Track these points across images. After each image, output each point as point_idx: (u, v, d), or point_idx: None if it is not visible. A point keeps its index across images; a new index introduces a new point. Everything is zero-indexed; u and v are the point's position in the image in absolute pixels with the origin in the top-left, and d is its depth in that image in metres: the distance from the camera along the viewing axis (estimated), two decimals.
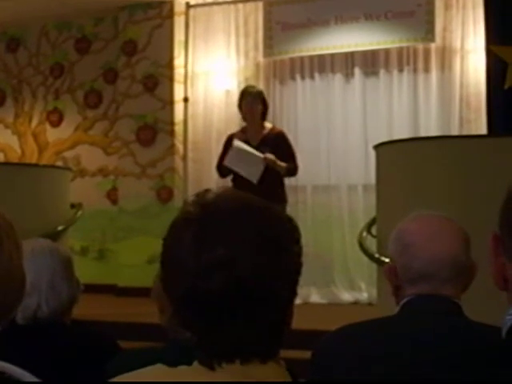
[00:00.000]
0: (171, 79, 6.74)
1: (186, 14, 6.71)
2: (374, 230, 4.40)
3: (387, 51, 6.23)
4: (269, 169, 4.99)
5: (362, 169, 6.10)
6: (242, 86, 5.82)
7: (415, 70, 6.18)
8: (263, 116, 5.23)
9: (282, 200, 5.08)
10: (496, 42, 5.36)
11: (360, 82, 6.30)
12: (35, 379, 1.06)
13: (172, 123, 6.73)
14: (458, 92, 6.04)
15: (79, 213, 5.36)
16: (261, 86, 6.27)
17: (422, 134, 5.92)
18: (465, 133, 5.87)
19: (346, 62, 6.34)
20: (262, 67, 6.61)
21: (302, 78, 6.46)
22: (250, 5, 6.62)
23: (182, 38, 6.72)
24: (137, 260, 6.52)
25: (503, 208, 0.94)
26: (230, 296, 0.92)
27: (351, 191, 6.24)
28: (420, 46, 6.16)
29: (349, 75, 6.36)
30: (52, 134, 7.50)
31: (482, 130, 5.63)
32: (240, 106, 5.25)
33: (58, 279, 1.92)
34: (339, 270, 6.19)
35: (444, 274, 1.53)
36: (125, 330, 4.38)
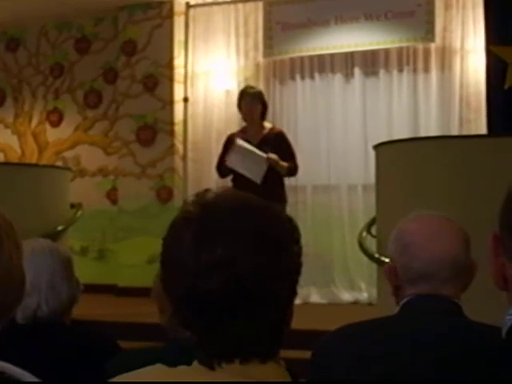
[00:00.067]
0: (171, 79, 6.74)
1: (186, 14, 6.71)
2: (373, 230, 4.40)
3: (387, 51, 6.23)
4: (269, 169, 5.00)
5: (362, 169, 6.10)
6: (242, 86, 5.82)
7: (415, 70, 6.18)
8: (262, 116, 5.23)
9: (282, 200, 5.08)
10: (496, 42, 5.37)
11: (360, 81, 6.31)
12: (35, 379, 1.06)
13: (172, 123, 6.73)
14: (458, 92, 6.04)
15: (79, 213, 5.36)
16: (261, 86, 6.27)
17: (422, 133, 5.93)
18: (465, 133, 5.87)
19: (346, 62, 6.34)
20: (261, 67, 6.61)
21: (302, 77, 6.46)
22: (249, 5, 6.62)
23: (182, 37, 6.72)
24: (137, 260, 6.52)
25: (503, 208, 0.94)
26: (230, 296, 0.92)
27: (351, 191, 6.24)
28: (420, 46, 6.16)
29: (349, 75, 6.36)
30: (52, 134, 7.50)
31: (482, 129, 5.63)
32: (239, 106, 5.26)
33: (58, 279, 1.92)
34: (339, 269, 6.20)
35: (444, 274, 1.53)
36: (125, 330, 4.38)
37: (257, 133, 5.18)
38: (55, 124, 7.48)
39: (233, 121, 6.28)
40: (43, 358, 1.75)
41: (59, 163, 7.24)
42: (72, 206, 5.34)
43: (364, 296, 6.02)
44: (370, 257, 4.19)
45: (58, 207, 5.07)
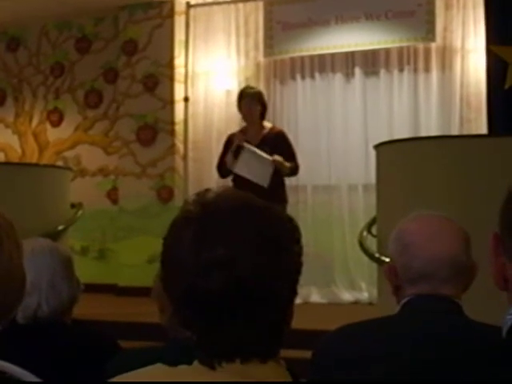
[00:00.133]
0: (171, 79, 6.74)
1: (187, 14, 6.71)
2: (374, 230, 4.40)
3: (387, 51, 6.23)
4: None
5: (363, 168, 6.10)
6: (243, 86, 5.82)
7: (415, 70, 6.18)
8: (262, 116, 5.23)
9: (283, 200, 5.08)
10: (496, 41, 5.37)
11: (360, 81, 6.30)
12: (35, 379, 1.06)
13: (172, 123, 6.73)
14: (459, 92, 6.04)
15: (79, 212, 5.36)
16: (261, 86, 6.28)
17: (423, 133, 5.92)
18: (465, 132, 5.87)
19: (347, 62, 6.34)
20: (262, 67, 6.61)
21: (303, 77, 6.46)
22: (250, 4, 6.62)
23: (183, 37, 6.72)
24: (137, 260, 6.52)
25: (503, 208, 0.94)
26: (230, 295, 0.92)
27: (351, 191, 6.24)
28: (420, 46, 6.16)
29: (349, 75, 6.36)
30: (52, 134, 7.50)
31: (483, 129, 5.63)
32: (239, 107, 5.26)
33: (58, 279, 1.92)
34: (339, 269, 6.19)
35: (443, 274, 1.53)
36: (125, 330, 4.38)
37: (257, 133, 5.18)
38: (56, 124, 7.49)
39: (233, 120, 6.27)
40: (43, 357, 1.75)
41: (60, 163, 7.25)
42: (72, 205, 5.34)
43: (364, 296, 6.01)
44: (371, 256, 4.19)
45: (58, 207, 5.07)
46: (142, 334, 4.06)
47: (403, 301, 1.57)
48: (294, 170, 5.17)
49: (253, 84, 6.27)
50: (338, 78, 6.36)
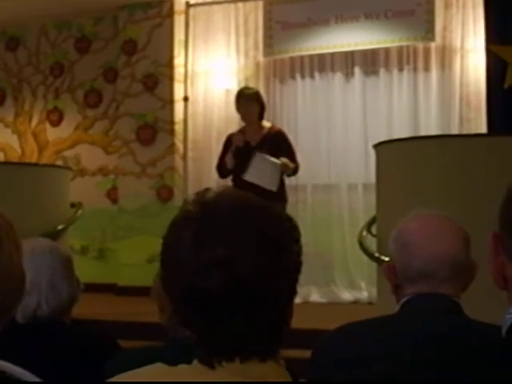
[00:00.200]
0: (171, 78, 6.74)
1: (186, 13, 6.71)
2: (374, 229, 4.40)
3: (387, 50, 6.23)
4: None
5: (362, 168, 6.10)
6: (242, 85, 5.82)
7: (415, 69, 6.18)
8: (261, 116, 5.23)
9: (282, 199, 5.08)
10: (496, 41, 5.37)
11: (360, 81, 6.31)
12: (35, 378, 1.06)
13: (172, 122, 6.73)
14: (458, 91, 6.04)
15: (79, 212, 5.35)
16: (261, 86, 6.28)
17: (422, 132, 5.92)
18: (465, 132, 5.87)
19: (346, 61, 6.34)
20: (262, 66, 6.61)
21: (302, 77, 6.46)
22: (250, 4, 6.62)
23: (182, 37, 6.71)
24: (137, 259, 6.52)
25: (503, 207, 0.94)
26: (230, 295, 0.92)
27: (351, 190, 6.24)
28: (420, 45, 6.16)
29: (349, 74, 6.36)
30: (52, 134, 7.50)
31: (482, 129, 5.63)
32: (237, 108, 5.26)
33: (58, 278, 1.92)
34: (339, 269, 6.19)
35: (443, 274, 1.53)
36: (125, 329, 4.38)
37: (256, 133, 5.18)
38: (55, 123, 7.49)
39: (233, 120, 6.27)
40: (43, 357, 1.75)
41: (59, 162, 7.25)
42: (72, 205, 5.34)
43: (364, 295, 6.02)
44: (370, 256, 4.19)
45: (58, 206, 5.07)
46: (142, 334, 4.06)
47: (403, 300, 1.57)
48: (295, 170, 5.18)
49: (252, 83, 6.28)
50: (338, 77, 6.36)
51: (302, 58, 6.45)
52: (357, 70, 6.30)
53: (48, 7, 6.94)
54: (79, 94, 7.39)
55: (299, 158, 5.23)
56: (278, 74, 6.56)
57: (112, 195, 7.14)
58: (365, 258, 4.46)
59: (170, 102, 6.74)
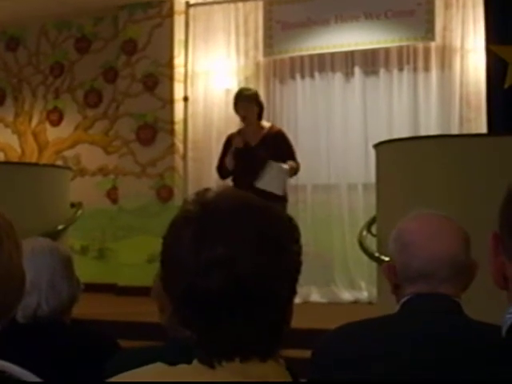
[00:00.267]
0: (171, 78, 6.74)
1: (186, 13, 6.71)
2: (374, 229, 4.40)
3: (387, 50, 6.23)
4: None
5: (362, 168, 6.10)
6: (242, 85, 5.82)
7: (415, 69, 6.18)
8: (260, 116, 5.23)
9: (282, 199, 5.07)
10: (496, 41, 5.37)
11: (360, 81, 6.31)
12: (35, 378, 1.06)
13: (172, 122, 6.73)
14: (458, 91, 6.04)
15: (79, 212, 5.35)
16: (261, 86, 6.28)
17: (422, 132, 5.92)
18: (465, 132, 5.87)
19: (346, 61, 6.34)
20: (261, 66, 6.61)
21: (302, 77, 6.46)
22: (249, 4, 6.62)
23: (182, 37, 6.72)
24: (137, 259, 6.52)
25: (503, 207, 0.94)
26: (230, 295, 0.92)
27: (351, 190, 6.24)
28: (420, 45, 6.16)
29: (349, 74, 6.36)
30: (52, 133, 7.50)
31: (482, 128, 5.63)
32: (235, 109, 5.25)
33: (58, 278, 1.92)
34: (339, 269, 6.19)
35: (443, 273, 1.53)
36: (125, 329, 4.38)
37: (255, 133, 5.18)
38: (55, 123, 7.49)
39: (233, 120, 6.26)
40: (43, 357, 1.75)
41: (59, 162, 7.25)
42: (72, 205, 5.34)
43: (364, 295, 6.02)
44: (370, 256, 4.19)
45: (58, 206, 5.07)
46: (142, 334, 4.06)
47: (403, 300, 1.57)
48: (296, 170, 5.18)
49: (252, 83, 6.28)
50: (338, 77, 6.36)
51: (301, 57, 6.45)
52: (357, 69, 6.30)
53: (48, 7, 6.94)
54: (79, 94, 7.39)
55: (299, 158, 5.23)
56: (278, 74, 6.56)
57: (112, 195, 7.14)
58: (365, 257, 4.46)
59: (169, 101, 6.74)
